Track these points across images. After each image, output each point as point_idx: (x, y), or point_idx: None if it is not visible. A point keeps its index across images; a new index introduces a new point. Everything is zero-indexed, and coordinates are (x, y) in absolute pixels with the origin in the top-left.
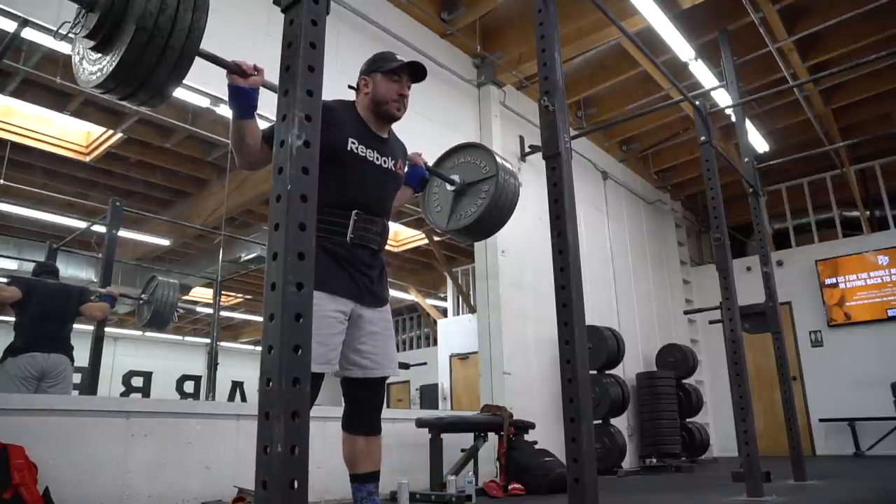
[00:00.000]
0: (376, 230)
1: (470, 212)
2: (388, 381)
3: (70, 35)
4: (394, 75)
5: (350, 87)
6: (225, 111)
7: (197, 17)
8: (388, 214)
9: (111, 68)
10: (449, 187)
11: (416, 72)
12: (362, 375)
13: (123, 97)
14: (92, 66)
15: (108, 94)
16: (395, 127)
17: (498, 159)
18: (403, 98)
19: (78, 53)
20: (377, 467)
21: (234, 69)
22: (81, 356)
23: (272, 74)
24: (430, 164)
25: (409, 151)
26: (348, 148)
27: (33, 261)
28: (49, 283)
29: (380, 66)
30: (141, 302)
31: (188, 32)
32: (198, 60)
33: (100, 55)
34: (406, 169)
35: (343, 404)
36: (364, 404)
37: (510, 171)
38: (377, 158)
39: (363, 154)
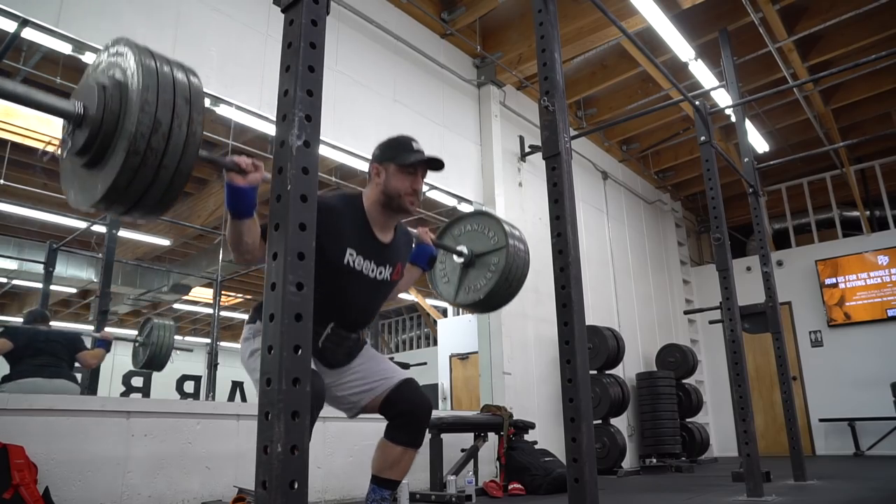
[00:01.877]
0: (347, 345)
1: (479, 285)
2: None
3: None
4: (409, 168)
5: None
6: (225, 111)
7: (192, 130)
8: (372, 321)
9: (104, 190)
10: (457, 259)
11: (432, 164)
12: (371, 398)
13: (120, 215)
14: (86, 181)
15: (105, 212)
16: (397, 128)
17: (506, 228)
18: (417, 193)
19: (67, 169)
20: (400, 478)
21: (233, 168)
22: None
23: (272, 74)
24: (445, 221)
25: (416, 230)
26: (345, 262)
27: (33, 261)
28: (41, 331)
29: (394, 156)
30: (137, 344)
31: (183, 149)
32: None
33: (92, 172)
34: (413, 249)
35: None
36: (408, 414)
37: (519, 239)
38: (373, 270)
39: (359, 268)
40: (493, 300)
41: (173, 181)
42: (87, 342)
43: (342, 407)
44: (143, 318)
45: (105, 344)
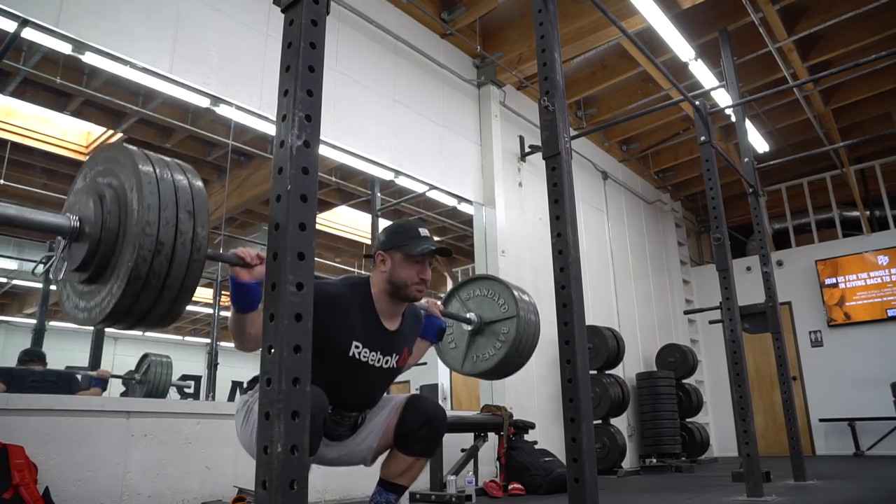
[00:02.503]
0: (347, 423)
1: (488, 355)
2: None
3: (51, 272)
4: (417, 257)
5: (366, 255)
6: (226, 112)
7: (196, 246)
8: (375, 404)
9: (112, 303)
10: (465, 327)
11: (440, 252)
12: (381, 437)
13: (129, 328)
14: (84, 301)
15: (112, 327)
16: (397, 128)
17: (516, 295)
18: (425, 282)
19: (63, 285)
20: (408, 484)
21: (237, 262)
22: (82, 356)
23: (272, 74)
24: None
25: (425, 301)
26: (350, 354)
27: (33, 261)
28: (36, 372)
29: (401, 245)
30: (134, 382)
31: (188, 266)
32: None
33: (92, 287)
34: (423, 321)
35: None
36: (425, 426)
37: (530, 305)
38: (379, 360)
39: (364, 359)
40: (502, 370)
41: (178, 298)
42: (84, 373)
43: (359, 460)
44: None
45: (101, 382)
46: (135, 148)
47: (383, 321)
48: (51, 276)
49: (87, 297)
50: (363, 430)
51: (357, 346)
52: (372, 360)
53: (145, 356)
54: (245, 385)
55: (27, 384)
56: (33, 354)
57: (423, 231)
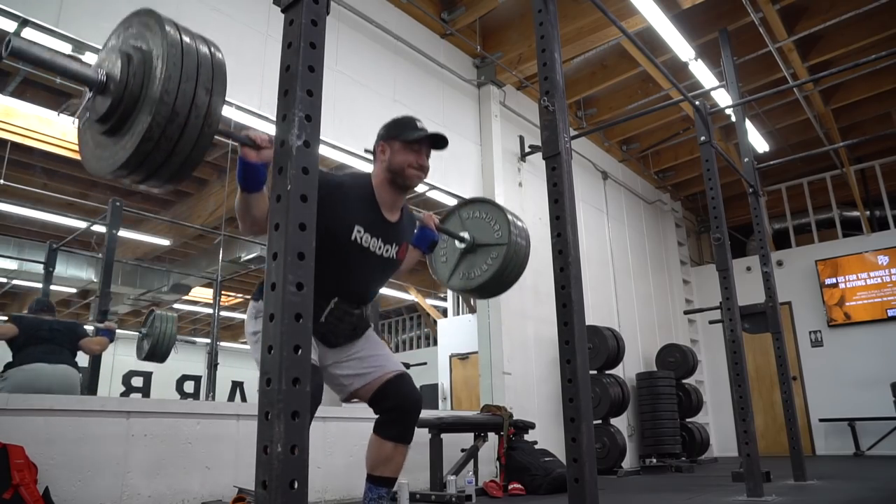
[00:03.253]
0: (351, 320)
1: (475, 274)
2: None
3: (77, 117)
4: (413, 145)
5: (366, 150)
6: (225, 111)
7: (215, 101)
8: (374, 297)
9: (124, 157)
10: (458, 244)
11: (436, 141)
12: (363, 384)
13: (134, 183)
14: (100, 150)
15: (119, 179)
16: None
17: (510, 220)
18: (423, 168)
19: (84, 130)
20: (395, 475)
21: (247, 143)
22: (81, 356)
23: (272, 74)
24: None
25: (422, 213)
26: (352, 237)
27: (33, 261)
28: (45, 321)
29: (399, 134)
30: (140, 336)
31: (205, 118)
32: None
33: (110, 140)
34: (416, 232)
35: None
36: (397, 409)
37: (522, 232)
38: (380, 248)
39: (366, 244)
40: (484, 291)
41: (193, 150)
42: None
43: (334, 387)
44: (142, 321)
45: (108, 333)
46: (168, 18)
47: (383, 211)
48: (75, 119)
49: (103, 147)
50: (356, 354)
51: (359, 231)
52: (373, 246)
53: (152, 311)
54: (255, 292)
55: (39, 331)
56: (43, 304)
57: (420, 123)
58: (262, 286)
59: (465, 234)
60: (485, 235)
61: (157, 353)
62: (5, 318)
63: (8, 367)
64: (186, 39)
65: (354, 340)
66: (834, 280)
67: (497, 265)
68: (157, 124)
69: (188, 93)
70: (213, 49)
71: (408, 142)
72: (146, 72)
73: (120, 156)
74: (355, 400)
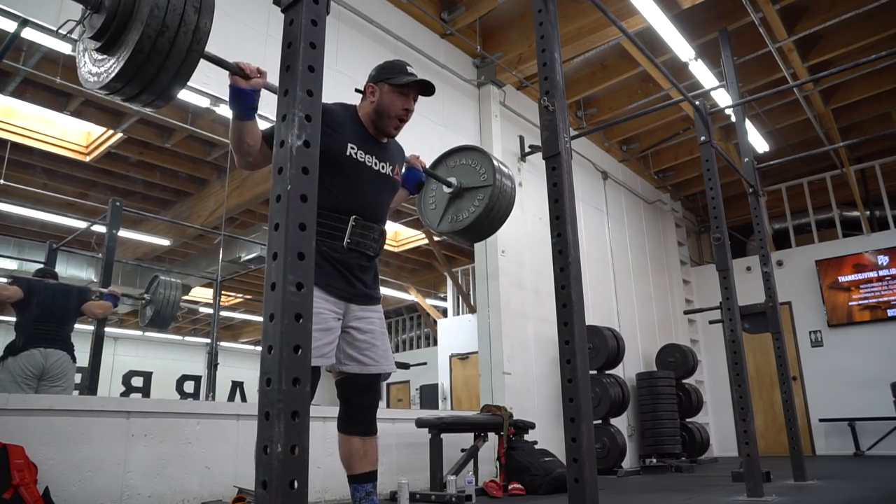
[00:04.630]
0: (373, 236)
1: (463, 217)
2: (388, 381)
3: (73, 35)
4: (402, 89)
5: (357, 90)
6: (225, 111)
7: (203, 20)
8: (385, 219)
9: (117, 70)
10: (446, 189)
11: (424, 88)
12: (359, 371)
13: (128, 98)
14: (96, 67)
15: (112, 96)
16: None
17: (496, 164)
18: (408, 113)
19: (81, 53)
20: (374, 467)
21: (237, 71)
22: (82, 356)
23: (272, 74)
24: (431, 160)
25: (408, 154)
26: (347, 153)
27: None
28: (50, 284)
29: (389, 76)
30: (143, 302)
31: (194, 34)
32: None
33: (104, 56)
34: (403, 171)
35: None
36: (358, 404)
37: (507, 175)
38: (375, 163)
39: (361, 159)
40: (471, 232)
41: (183, 65)
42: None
43: (339, 349)
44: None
45: (112, 298)
46: None
47: (372, 133)
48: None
49: (99, 63)
50: (359, 329)
51: (352, 148)
52: (369, 161)
53: (155, 277)
54: None
55: (44, 296)
56: (47, 271)
57: (410, 69)
58: None
59: (453, 180)
60: (471, 180)
61: (160, 319)
62: (7, 280)
63: (7, 351)
64: None
65: (368, 293)
66: (834, 280)
67: (483, 205)
68: (147, 37)
69: (178, 8)
70: None
71: (397, 85)
72: None
73: (113, 69)
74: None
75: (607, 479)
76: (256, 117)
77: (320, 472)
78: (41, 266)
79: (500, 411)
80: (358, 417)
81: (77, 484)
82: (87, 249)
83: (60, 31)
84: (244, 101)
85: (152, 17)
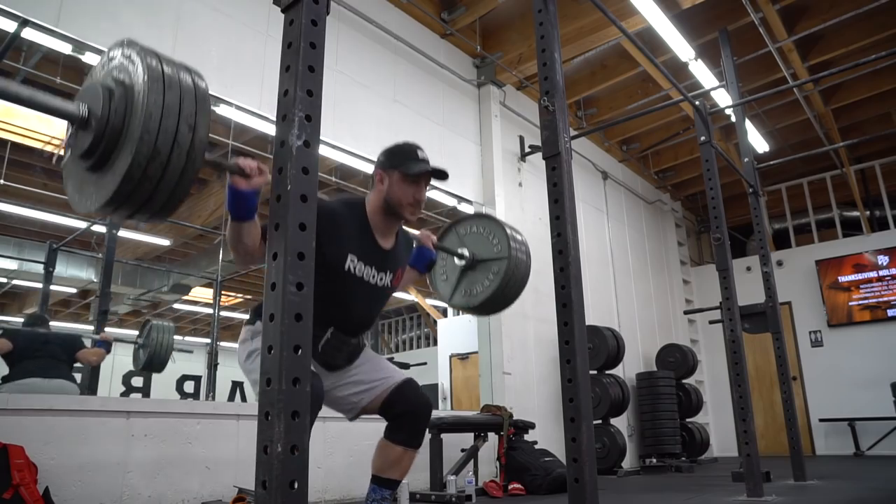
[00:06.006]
0: (347, 350)
1: (476, 291)
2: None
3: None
4: (414, 178)
5: (368, 176)
6: (225, 111)
7: (198, 137)
8: (371, 325)
9: (105, 198)
10: (458, 261)
11: (436, 174)
12: (372, 397)
13: (123, 219)
14: (86, 187)
15: (107, 215)
16: (397, 128)
17: (509, 233)
18: (419, 203)
19: (70, 171)
20: (401, 478)
21: (236, 171)
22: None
23: (272, 74)
24: (445, 221)
25: (419, 232)
26: (346, 268)
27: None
28: (40, 334)
29: (399, 164)
30: (137, 346)
31: (188, 155)
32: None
33: (93, 176)
34: (413, 252)
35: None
36: (408, 414)
37: (522, 244)
38: (374, 276)
39: (360, 273)
40: (487, 308)
41: (177, 187)
42: (88, 343)
43: (343, 409)
44: (143, 319)
45: (105, 345)
46: (150, 49)
47: (378, 239)
48: (56, 160)
49: (87, 183)
50: (356, 373)
51: (352, 260)
52: (367, 275)
53: (148, 321)
54: (249, 314)
55: (34, 344)
56: (37, 318)
57: (422, 153)
58: (257, 310)
59: (465, 251)
60: (484, 251)
61: (153, 363)
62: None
63: (5, 380)
64: (168, 72)
65: (350, 364)
66: (834, 280)
67: (499, 280)
68: (137, 164)
69: (170, 129)
70: (196, 80)
71: (408, 175)
72: (127, 107)
73: (102, 194)
74: (364, 415)
75: (607, 479)
76: (257, 216)
77: (320, 472)
78: (31, 312)
79: (500, 411)
80: (406, 426)
81: (77, 484)
82: (87, 249)
83: (47, 152)
84: (244, 203)
85: (142, 143)
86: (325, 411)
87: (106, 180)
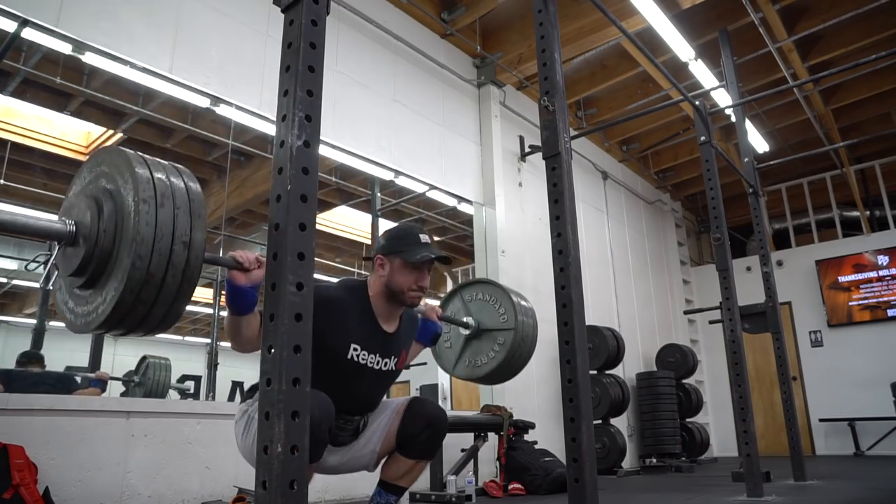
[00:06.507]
0: (350, 427)
1: (481, 362)
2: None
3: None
4: (416, 265)
5: (365, 258)
6: (226, 111)
7: (193, 255)
8: (376, 407)
9: (100, 319)
10: (462, 331)
11: (440, 260)
12: (383, 436)
13: (123, 335)
14: (79, 307)
15: (107, 334)
16: (397, 128)
17: (515, 301)
18: (423, 290)
19: (60, 289)
20: (408, 486)
21: (234, 266)
22: (82, 356)
23: (272, 74)
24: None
25: (423, 306)
26: (349, 356)
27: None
28: (33, 374)
29: (400, 251)
30: (132, 384)
31: (184, 274)
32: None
33: (89, 292)
34: (419, 325)
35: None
36: (427, 429)
37: (528, 312)
38: (377, 363)
39: (363, 361)
40: (492, 379)
41: (173, 306)
42: (83, 374)
43: (362, 466)
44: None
45: (100, 383)
46: (140, 160)
47: (381, 324)
48: (43, 281)
49: (81, 302)
50: (365, 435)
51: (356, 349)
52: (371, 362)
53: (144, 358)
54: (245, 392)
55: (26, 385)
56: (31, 356)
57: (424, 237)
58: (253, 388)
59: (469, 320)
60: (490, 319)
61: None
62: None
63: None
64: (159, 183)
65: (357, 438)
66: (834, 280)
67: (505, 352)
68: (129, 290)
69: (164, 251)
70: (188, 185)
71: (409, 262)
72: (118, 225)
73: (94, 317)
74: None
75: (607, 479)
76: (257, 309)
77: None
78: (25, 352)
79: (500, 411)
80: (426, 441)
81: (77, 484)
82: None
83: (30, 267)
84: (243, 298)
85: (134, 269)
86: None
87: (97, 303)
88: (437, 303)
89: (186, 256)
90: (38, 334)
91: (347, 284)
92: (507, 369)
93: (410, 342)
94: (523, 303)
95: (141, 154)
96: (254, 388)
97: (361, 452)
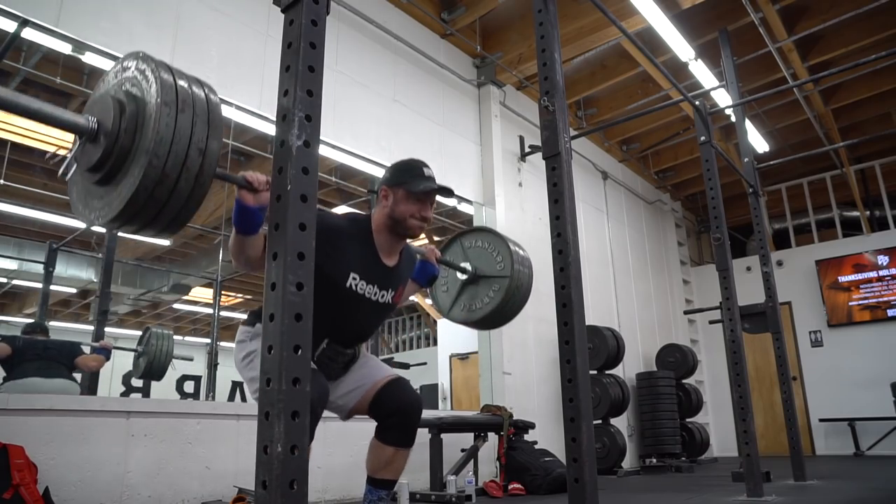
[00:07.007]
0: (342, 360)
1: (477, 306)
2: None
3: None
4: (419, 195)
5: (370, 191)
6: (225, 111)
7: (207, 163)
8: (368, 339)
9: (110, 215)
10: (460, 275)
11: (442, 192)
12: (359, 397)
13: (134, 232)
14: (93, 200)
15: (115, 229)
16: (397, 128)
17: (512, 249)
18: (426, 220)
19: (76, 183)
20: (395, 477)
21: (244, 185)
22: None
23: (272, 74)
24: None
25: (423, 247)
26: (347, 284)
27: (33, 261)
28: (39, 341)
29: (405, 182)
30: (136, 355)
31: (196, 179)
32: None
33: (105, 188)
34: (416, 265)
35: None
36: (398, 413)
37: (524, 261)
38: (375, 293)
39: (361, 291)
40: (487, 323)
41: (183, 210)
42: (87, 350)
43: (333, 409)
44: (143, 319)
45: (104, 352)
46: (166, 66)
47: (381, 256)
48: (62, 171)
49: (95, 196)
50: (347, 381)
51: (354, 278)
52: (368, 293)
53: (147, 329)
54: (248, 316)
55: (32, 351)
56: (36, 326)
57: (427, 171)
58: (257, 312)
59: (467, 265)
60: (487, 266)
61: (153, 371)
62: None
63: (4, 380)
64: (182, 91)
65: (345, 374)
66: (834, 280)
67: (500, 298)
68: (144, 187)
69: (180, 154)
70: (209, 96)
71: (413, 192)
72: (138, 127)
73: (107, 211)
74: (356, 416)
75: (607, 479)
76: (261, 231)
77: (320, 472)
78: (31, 322)
79: (500, 411)
80: (397, 426)
81: (77, 484)
82: (88, 249)
83: (50, 163)
84: (250, 218)
85: (150, 167)
86: (325, 411)
87: (111, 197)
88: (436, 248)
89: (200, 163)
90: None
91: (351, 216)
92: (500, 315)
93: (408, 278)
94: (521, 252)
95: (172, 70)
96: (254, 315)
97: (338, 400)
